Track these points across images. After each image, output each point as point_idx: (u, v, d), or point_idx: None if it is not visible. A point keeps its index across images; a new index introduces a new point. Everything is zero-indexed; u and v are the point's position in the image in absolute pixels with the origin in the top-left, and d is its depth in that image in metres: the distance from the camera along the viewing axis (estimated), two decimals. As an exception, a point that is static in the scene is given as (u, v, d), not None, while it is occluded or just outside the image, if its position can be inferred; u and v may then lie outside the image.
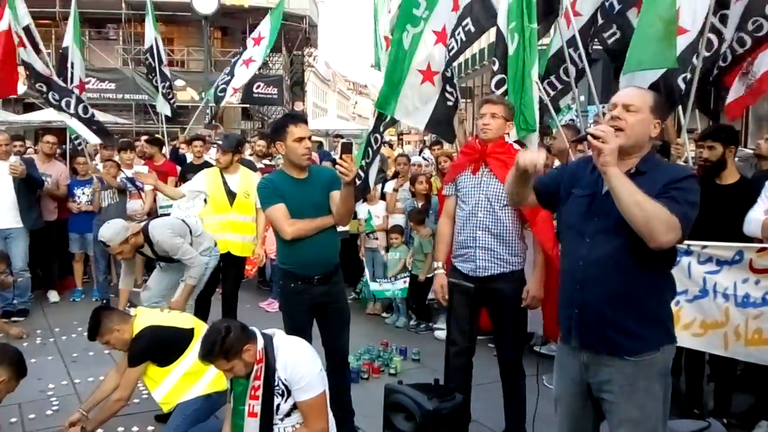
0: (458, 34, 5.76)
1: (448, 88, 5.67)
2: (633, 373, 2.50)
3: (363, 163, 5.98)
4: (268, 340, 3.20)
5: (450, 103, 5.74)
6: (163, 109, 10.32)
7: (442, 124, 5.79)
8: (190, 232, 5.12)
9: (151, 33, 10.11)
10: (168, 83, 10.40)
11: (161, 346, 3.95)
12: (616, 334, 2.50)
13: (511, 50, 5.15)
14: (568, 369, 2.69)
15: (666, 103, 2.62)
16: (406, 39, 5.53)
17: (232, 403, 3.29)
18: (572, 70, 5.73)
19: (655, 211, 2.29)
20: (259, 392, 3.12)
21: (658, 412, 2.54)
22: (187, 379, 3.94)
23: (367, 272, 7.21)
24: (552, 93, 6.11)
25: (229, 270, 5.78)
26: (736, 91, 5.93)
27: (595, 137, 2.36)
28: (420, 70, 5.54)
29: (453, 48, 5.73)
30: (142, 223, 5.14)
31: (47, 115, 17.17)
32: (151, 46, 10.02)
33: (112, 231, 4.78)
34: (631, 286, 2.48)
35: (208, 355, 3.08)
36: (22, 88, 23.20)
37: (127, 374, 3.93)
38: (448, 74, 5.65)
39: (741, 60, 5.28)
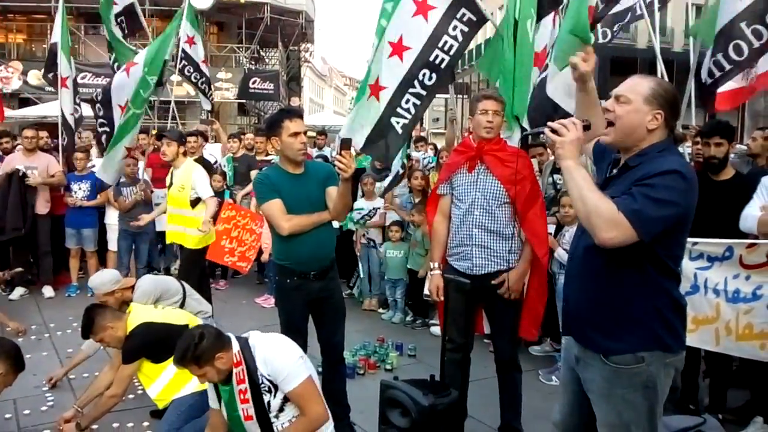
0: (454, 29, 5.32)
1: (403, 105, 5.37)
2: (611, 378, 2.45)
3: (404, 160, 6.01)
4: (243, 342, 3.20)
5: (401, 125, 5.41)
6: (205, 105, 10.93)
7: (379, 146, 5.47)
8: (184, 294, 4.94)
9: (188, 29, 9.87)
10: (206, 79, 10.50)
11: (155, 343, 3.94)
12: (592, 330, 2.49)
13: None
14: (568, 358, 2.71)
15: (673, 95, 2.48)
16: (370, 52, 5.50)
17: (225, 413, 3.28)
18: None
19: (597, 206, 2.25)
20: (248, 395, 3.12)
21: (638, 422, 2.47)
22: (181, 376, 3.92)
23: (361, 269, 7.22)
24: None
25: (182, 261, 6.04)
26: (730, 84, 5.90)
27: (552, 130, 2.38)
28: (370, 84, 5.37)
29: (452, 46, 5.33)
30: (135, 279, 4.98)
31: (43, 110, 17.18)
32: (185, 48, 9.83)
33: (99, 280, 4.67)
34: (606, 284, 2.43)
35: (180, 360, 3.11)
36: (17, 83, 23.16)
37: (121, 371, 3.92)
38: (416, 89, 5.34)
39: (759, 53, 5.21)
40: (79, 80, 21.27)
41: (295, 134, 3.71)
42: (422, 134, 11.12)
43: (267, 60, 30.18)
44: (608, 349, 2.44)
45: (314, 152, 10.26)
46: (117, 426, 4.19)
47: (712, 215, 4.13)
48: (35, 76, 21.97)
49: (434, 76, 5.35)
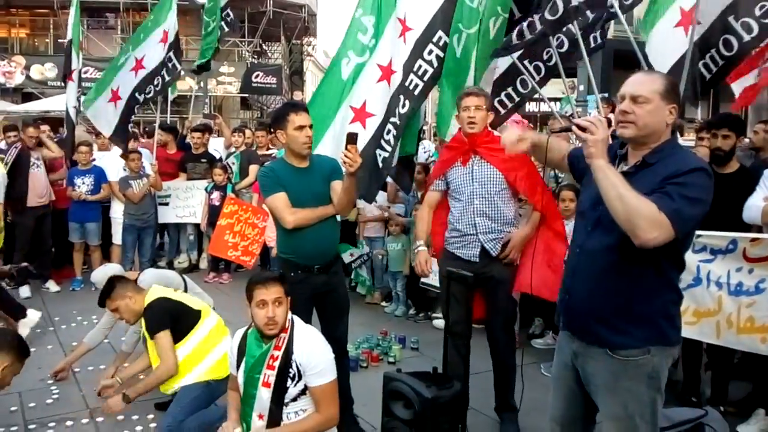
0: (430, 53, 5.00)
1: (385, 136, 5.00)
2: (617, 371, 2.46)
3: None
4: (292, 319, 3.28)
5: (381, 157, 5.02)
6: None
7: (362, 179, 4.83)
8: (185, 288, 5.00)
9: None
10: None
11: (173, 315, 4.01)
12: (598, 325, 2.47)
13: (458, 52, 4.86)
14: (563, 353, 2.70)
15: (677, 87, 2.52)
16: (346, 67, 5.00)
17: (242, 376, 3.29)
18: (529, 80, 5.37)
19: (638, 206, 2.19)
20: (277, 363, 3.15)
21: (643, 413, 2.47)
22: (188, 362, 3.96)
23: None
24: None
25: None
26: (746, 80, 5.89)
27: (580, 128, 2.32)
28: (353, 107, 4.96)
29: (426, 71, 4.99)
30: (138, 273, 5.01)
31: (46, 104, 17.20)
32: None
33: (102, 275, 4.68)
34: (619, 281, 2.42)
35: (271, 276, 3.26)
36: (20, 78, 23.22)
37: (160, 346, 3.94)
38: (395, 118, 4.98)
39: (750, 48, 5.19)
40: (82, 75, 21.46)
41: (301, 127, 3.72)
42: (424, 127, 11.08)
43: (270, 54, 30.13)
44: (614, 343, 2.45)
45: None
46: (122, 418, 4.21)
47: (716, 207, 4.13)
48: (38, 71, 22.05)
49: (407, 103, 5.03)
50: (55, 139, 8.61)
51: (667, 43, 5.09)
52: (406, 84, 5.00)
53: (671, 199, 2.22)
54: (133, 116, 8.43)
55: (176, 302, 4.09)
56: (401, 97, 5.02)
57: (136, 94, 8.06)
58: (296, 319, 3.34)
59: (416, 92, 5.01)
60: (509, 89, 5.45)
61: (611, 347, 2.45)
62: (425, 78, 5.01)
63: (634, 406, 2.46)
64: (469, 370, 4.01)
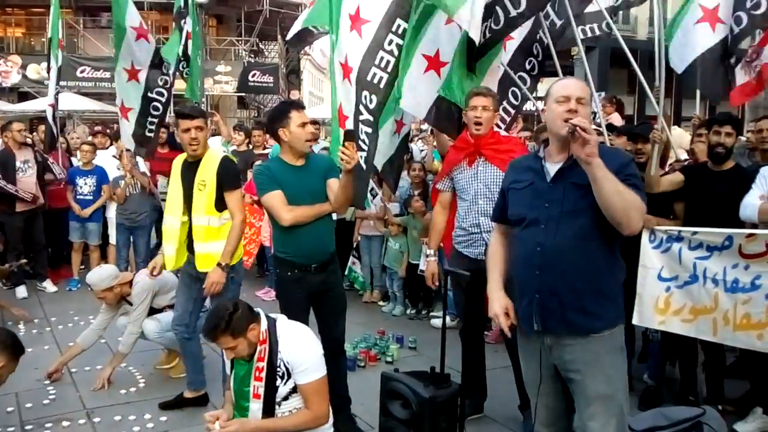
0: (390, 43, 4.90)
1: (360, 135, 4.90)
2: (597, 348, 2.59)
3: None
4: (272, 322, 3.24)
5: (363, 158, 4.88)
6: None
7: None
8: None
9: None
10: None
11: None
12: (576, 315, 2.57)
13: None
14: (533, 354, 2.74)
15: None
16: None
17: (233, 385, 3.30)
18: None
19: (633, 200, 2.44)
20: (263, 374, 3.15)
21: (622, 387, 2.65)
22: (222, 231, 4.09)
23: (360, 259, 7.21)
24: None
25: None
26: (739, 77, 5.91)
27: (583, 129, 2.40)
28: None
29: (389, 62, 4.86)
30: (133, 274, 5.00)
31: (42, 104, 17.10)
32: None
33: (97, 276, 4.70)
34: (588, 268, 2.57)
35: (213, 330, 3.09)
36: (16, 77, 23.07)
37: (234, 200, 4.05)
38: (364, 116, 4.87)
39: (740, 39, 5.27)
40: (78, 74, 21.37)
41: (304, 124, 3.73)
42: (422, 127, 11.02)
43: (266, 53, 30.07)
44: (590, 328, 2.58)
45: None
46: (119, 419, 4.21)
47: (711, 204, 4.15)
48: (34, 70, 21.93)
49: (374, 98, 4.91)
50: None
51: (688, 39, 5.17)
52: (368, 78, 4.91)
53: (640, 191, 2.51)
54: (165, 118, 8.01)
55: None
56: (365, 93, 4.93)
57: (149, 94, 7.67)
58: (279, 318, 3.32)
59: (381, 84, 4.93)
60: (504, 103, 5.53)
61: (589, 332, 2.58)
62: (389, 69, 4.93)
63: (617, 380, 2.63)
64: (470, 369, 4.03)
